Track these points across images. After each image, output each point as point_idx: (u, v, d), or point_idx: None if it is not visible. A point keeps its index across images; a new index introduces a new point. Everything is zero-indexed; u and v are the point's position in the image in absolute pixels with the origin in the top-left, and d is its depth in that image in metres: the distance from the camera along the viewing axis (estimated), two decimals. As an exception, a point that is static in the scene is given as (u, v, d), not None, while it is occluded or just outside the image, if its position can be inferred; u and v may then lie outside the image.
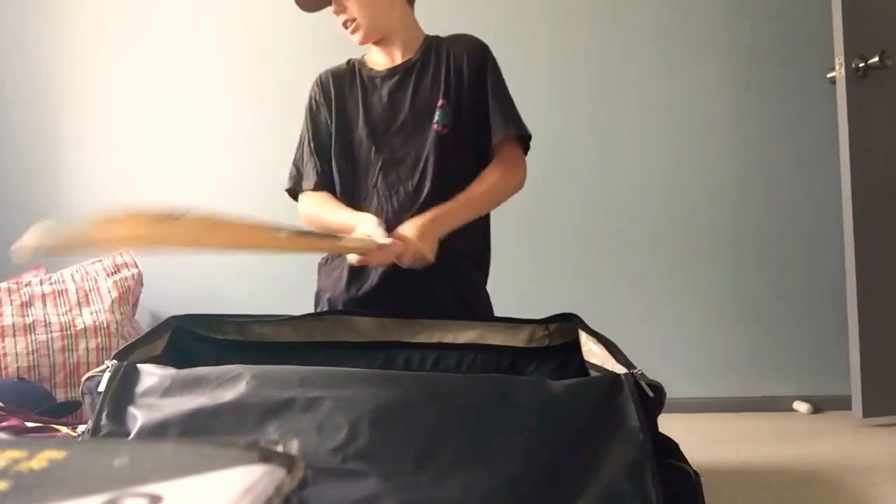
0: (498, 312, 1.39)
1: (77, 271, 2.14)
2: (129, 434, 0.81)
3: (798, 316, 2.26)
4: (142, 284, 2.18)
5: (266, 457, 0.31)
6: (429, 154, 1.37)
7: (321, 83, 1.49)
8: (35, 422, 1.31)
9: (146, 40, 2.44)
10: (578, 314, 1.28)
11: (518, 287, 2.23)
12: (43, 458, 0.31)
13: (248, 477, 0.29)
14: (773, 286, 2.28)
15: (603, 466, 0.76)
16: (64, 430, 1.29)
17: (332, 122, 1.45)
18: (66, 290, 2.04)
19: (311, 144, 1.47)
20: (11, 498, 0.27)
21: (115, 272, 2.14)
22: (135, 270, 2.16)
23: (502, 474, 0.74)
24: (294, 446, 0.33)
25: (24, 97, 2.46)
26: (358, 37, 1.41)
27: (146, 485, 0.28)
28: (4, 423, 1.28)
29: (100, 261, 2.18)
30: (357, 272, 1.36)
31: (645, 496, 0.73)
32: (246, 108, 2.41)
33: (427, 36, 1.49)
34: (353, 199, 1.41)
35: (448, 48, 1.45)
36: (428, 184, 1.36)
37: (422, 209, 1.34)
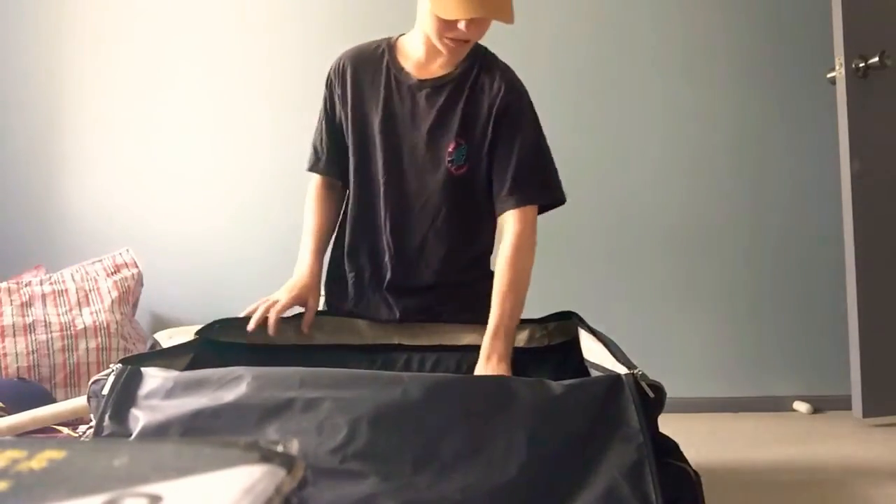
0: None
1: (77, 271, 2.14)
2: (131, 435, 0.81)
3: (798, 316, 2.26)
4: (142, 284, 2.18)
5: (266, 457, 0.31)
6: (434, 191, 1.31)
7: (341, 68, 1.36)
8: (35, 422, 1.31)
9: (146, 40, 2.44)
10: (578, 314, 1.28)
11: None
12: (43, 458, 0.31)
13: (248, 477, 0.29)
14: (772, 286, 2.27)
15: (603, 466, 0.76)
16: (64, 430, 1.29)
17: (347, 114, 1.35)
18: (66, 290, 2.04)
19: (327, 129, 1.39)
20: (11, 498, 0.27)
21: (115, 272, 2.14)
22: (135, 270, 2.16)
23: (502, 475, 0.74)
24: (294, 446, 0.33)
25: (24, 97, 2.46)
26: (457, 49, 1.25)
27: (146, 485, 0.28)
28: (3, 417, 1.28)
29: (100, 261, 2.18)
30: None
31: (645, 496, 0.73)
32: (247, 108, 2.40)
33: (474, 52, 1.32)
34: (362, 203, 1.36)
35: (489, 83, 1.31)
36: (427, 223, 1.32)
37: (420, 246, 1.32)
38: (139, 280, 2.17)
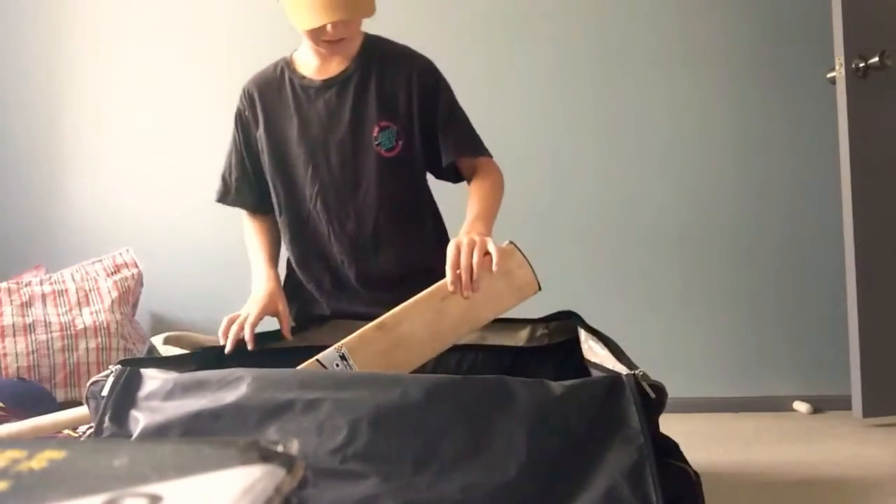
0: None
1: (77, 271, 2.14)
2: (131, 437, 0.81)
3: (798, 316, 2.26)
4: (142, 284, 2.18)
5: (266, 457, 0.31)
6: (371, 177, 1.32)
7: (247, 96, 1.39)
8: (35, 422, 1.31)
9: (146, 40, 2.44)
10: (578, 313, 1.28)
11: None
12: (43, 458, 0.31)
13: (248, 477, 0.29)
14: (773, 286, 2.27)
15: (603, 467, 0.76)
16: (64, 430, 1.29)
17: (264, 139, 1.36)
18: (66, 290, 2.04)
19: (245, 161, 1.40)
20: (11, 498, 0.27)
21: (115, 272, 2.14)
22: (135, 270, 2.16)
23: (502, 475, 0.74)
24: (294, 446, 0.33)
25: (25, 97, 2.46)
26: (336, 48, 1.28)
27: (146, 485, 0.28)
28: (4, 423, 1.28)
29: (100, 261, 2.18)
30: None
31: (645, 497, 0.73)
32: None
33: (365, 37, 1.36)
34: (296, 220, 1.37)
35: (393, 65, 1.35)
36: (374, 210, 1.32)
37: (374, 234, 1.32)
38: (139, 280, 2.17)
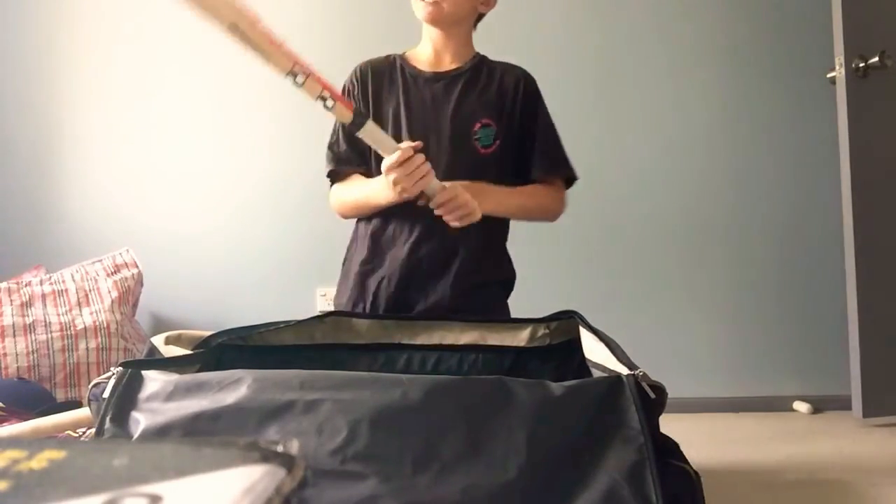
0: (498, 312, 1.39)
1: (77, 271, 2.14)
2: (132, 438, 0.81)
3: (798, 316, 2.26)
4: (142, 284, 2.18)
5: (266, 457, 0.31)
6: (465, 170, 1.34)
7: (360, 74, 1.44)
8: (35, 422, 1.31)
9: (146, 41, 2.44)
10: (579, 313, 1.28)
11: (518, 287, 2.23)
12: (43, 458, 0.31)
13: (248, 477, 0.29)
14: (773, 286, 2.28)
15: (603, 467, 0.75)
16: (65, 431, 1.29)
17: (369, 112, 1.39)
18: (66, 290, 2.04)
19: (345, 133, 1.41)
20: (11, 498, 0.27)
21: (115, 272, 2.14)
22: (135, 270, 2.16)
23: (502, 475, 0.74)
24: (294, 446, 0.33)
25: (25, 98, 2.46)
26: (429, 10, 1.34)
27: (146, 485, 0.28)
28: (4, 423, 1.28)
29: (100, 261, 2.18)
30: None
31: (645, 497, 0.73)
32: (246, 108, 2.41)
33: (477, 53, 1.47)
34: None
35: (501, 71, 1.44)
36: None
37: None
38: (139, 280, 2.17)
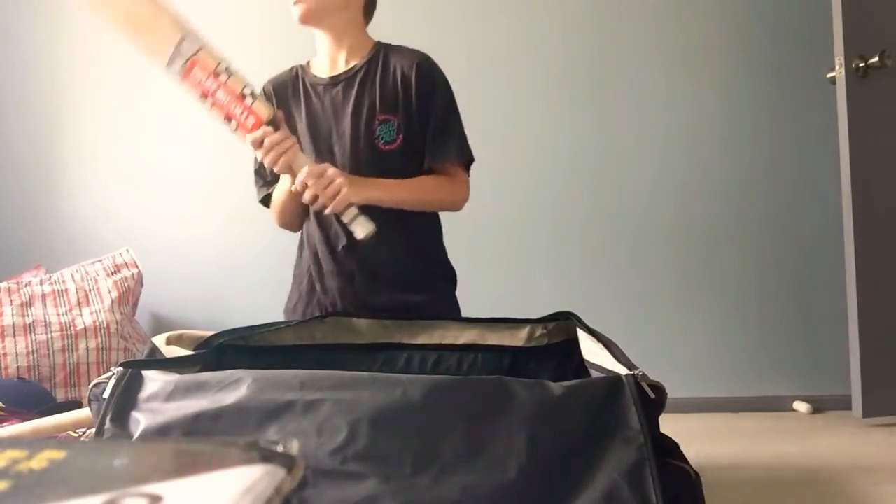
0: (497, 312, 1.39)
1: (77, 271, 2.14)
2: (132, 438, 0.81)
3: (798, 316, 2.26)
4: (142, 284, 2.18)
5: (266, 457, 0.31)
6: (371, 171, 1.36)
7: (264, 94, 1.47)
8: (35, 422, 1.31)
9: (146, 40, 2.44)
10: (578, 314, 1.28)
11: (518, 287, 2.23)
12: (43, 458, 0.31)
13: (248, 477, 0.29)
14: (773, 286, 2.28)
15: (603, 467, 0.75)
16: (66, 432, 1.29)
17: None
18: (66, 290, 2.04)
19: None
20: (11, 498, 0.27)
21: (115, 272, 2.14)
22: (135, 270, 2.16)
23: (502, 476, 0.74)
24: (294, 446, 0.33)
25: (24, 97, 2.46)
26: (300, 9, 1.36)
27: (146, 485, 0.28)
28: (4, 423, 1.28)
29: (100, 261, 2.18)
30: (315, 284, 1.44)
31: (645, 498, 0.73)
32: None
33: (376, 43, 1.46)
34: (305, 208, 1.43)
35: (395, 61, 1.41)
36: None
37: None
38: (139, 280, 2.17)
